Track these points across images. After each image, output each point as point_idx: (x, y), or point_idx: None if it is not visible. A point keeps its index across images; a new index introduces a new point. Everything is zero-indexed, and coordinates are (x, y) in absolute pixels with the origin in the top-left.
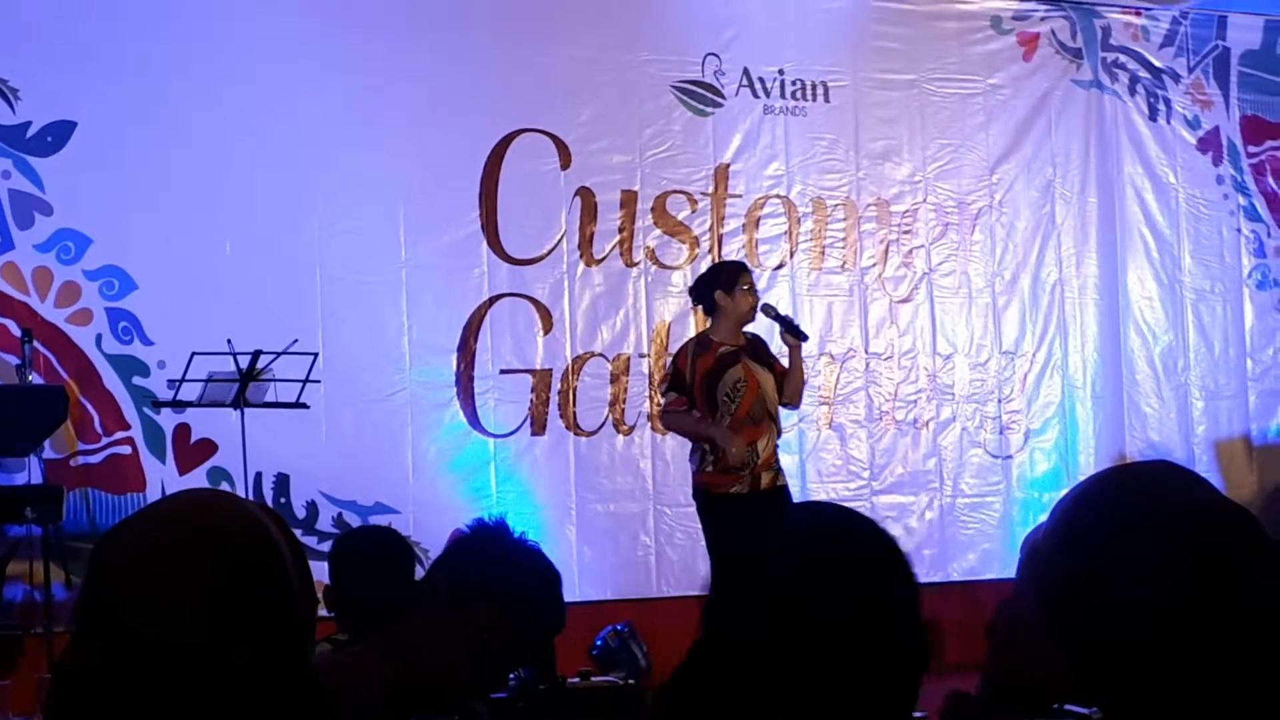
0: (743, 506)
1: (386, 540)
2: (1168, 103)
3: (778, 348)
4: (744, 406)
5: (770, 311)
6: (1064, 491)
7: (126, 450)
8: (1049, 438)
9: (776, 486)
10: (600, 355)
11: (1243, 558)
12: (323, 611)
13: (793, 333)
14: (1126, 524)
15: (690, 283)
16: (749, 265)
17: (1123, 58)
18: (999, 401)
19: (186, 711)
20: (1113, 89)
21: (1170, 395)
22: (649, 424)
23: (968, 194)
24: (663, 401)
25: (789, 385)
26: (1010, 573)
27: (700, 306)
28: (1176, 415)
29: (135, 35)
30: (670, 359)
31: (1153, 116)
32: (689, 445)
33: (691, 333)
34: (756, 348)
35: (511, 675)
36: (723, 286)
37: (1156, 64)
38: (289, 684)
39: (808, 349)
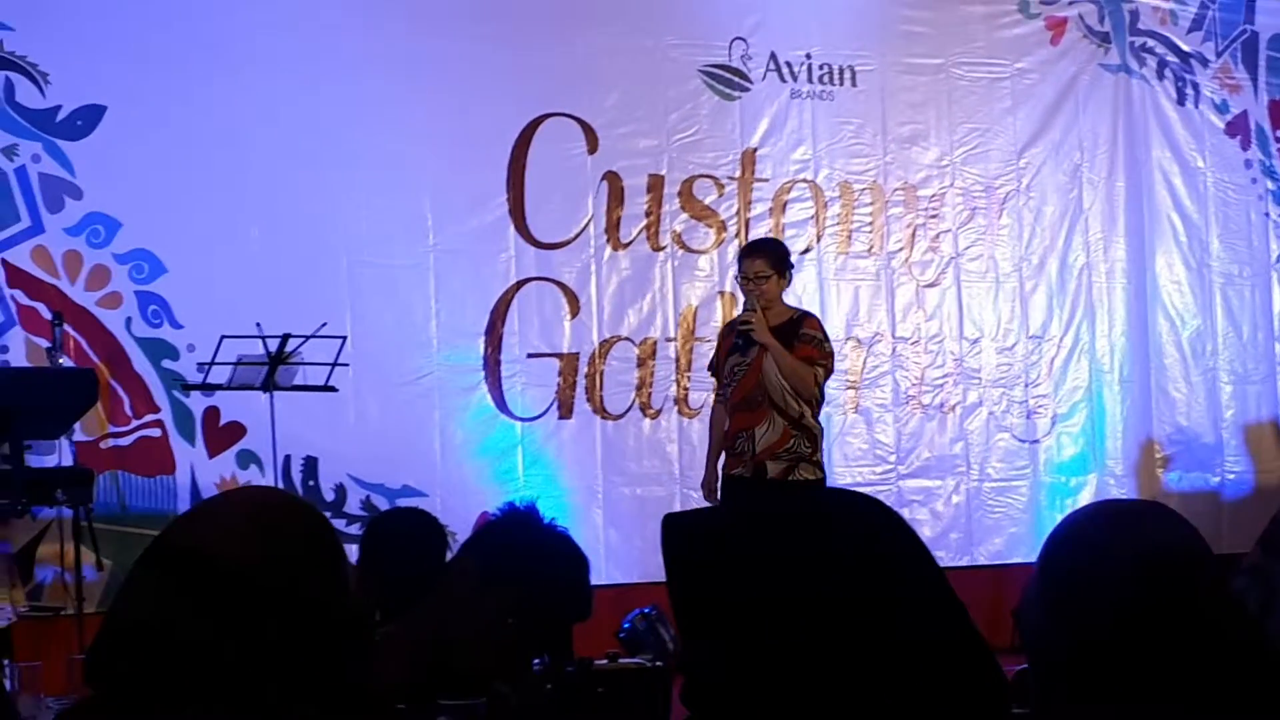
0: (744, 491)
1: (421, 521)
2: (1196, 87)
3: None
4: (739, 391)
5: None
6: (1090, 476)
7: (156, 433)
8: (1076, 422)
9: (790, 481)
10: (627, 339)
11: (1188, 595)
12: None
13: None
14: (1089, 559)
15: (717, 267)
16: (753, 247)
17: (1151, 42)
18: (1026, 386)
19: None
20: (1140, 73)
21: (1198, 380)
22: (675, 408)
23: (995, 178)
24: None
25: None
26: (1037, 557)
27: None
28: (1205, 400)
29: (164, 20)
30: None
31: (1181, 101)
32: None
33: (719, 317)
34: (784, 332)
35: (537, 659)
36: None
37: (1184, 48)
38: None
39: (835, 331)
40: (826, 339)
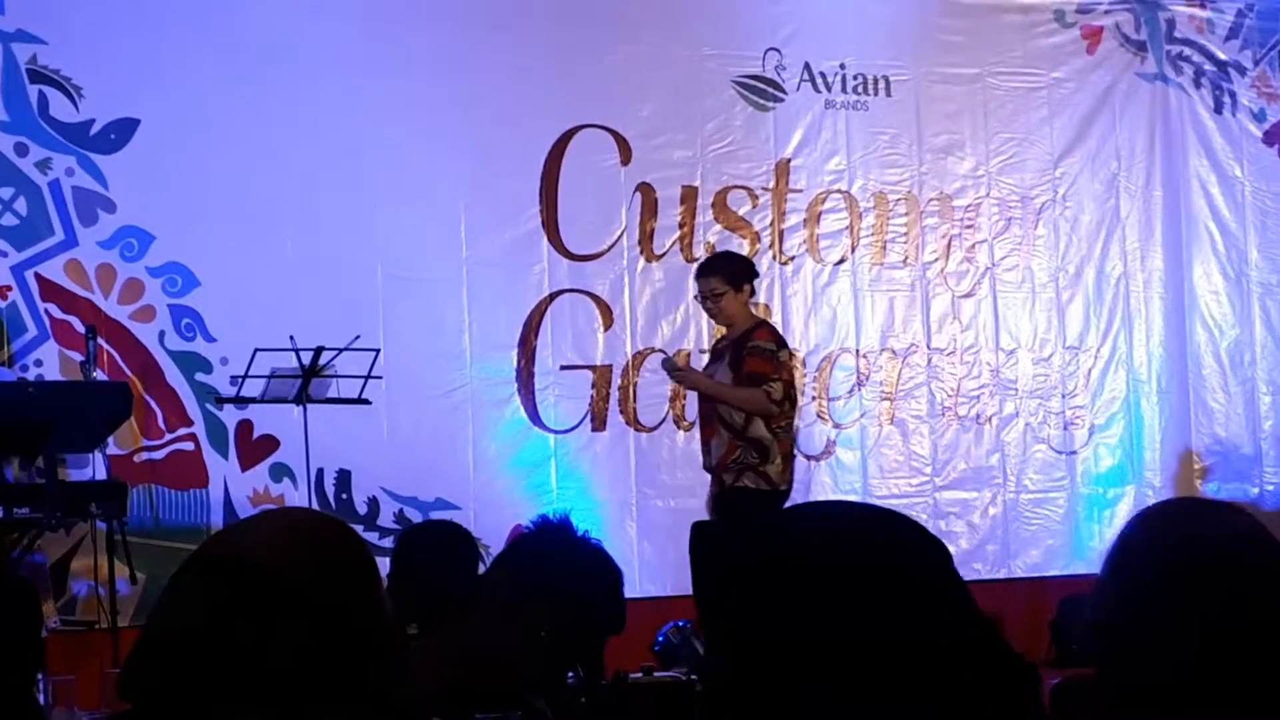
0: (714, 505)
1: (453, 534)
2: (1233, 95)
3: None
4: (699, 408)
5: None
6: (1128, 487)
7: (189, 446)
8: (1113, 433)
9: (734, 488)
10: (660, 351)
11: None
12: None
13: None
14: (1146, 559)
15: None
16: (704, 265)
17: (1187, 50)
18: (1063, 396)
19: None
20: (1177, 82)
21: (1237, 390)
22: None
23: (1031, 188)
24: None
25: None
26: (1074, 569)
27: None
28: (1243, 410)
29: (197, 33)
30: None
31: (1218, 109)
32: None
33: None
34: (736, 346)
35: (571, 673)
36: None
37: (1221, 57)
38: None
39: (870, 343)
40: (780, 347)
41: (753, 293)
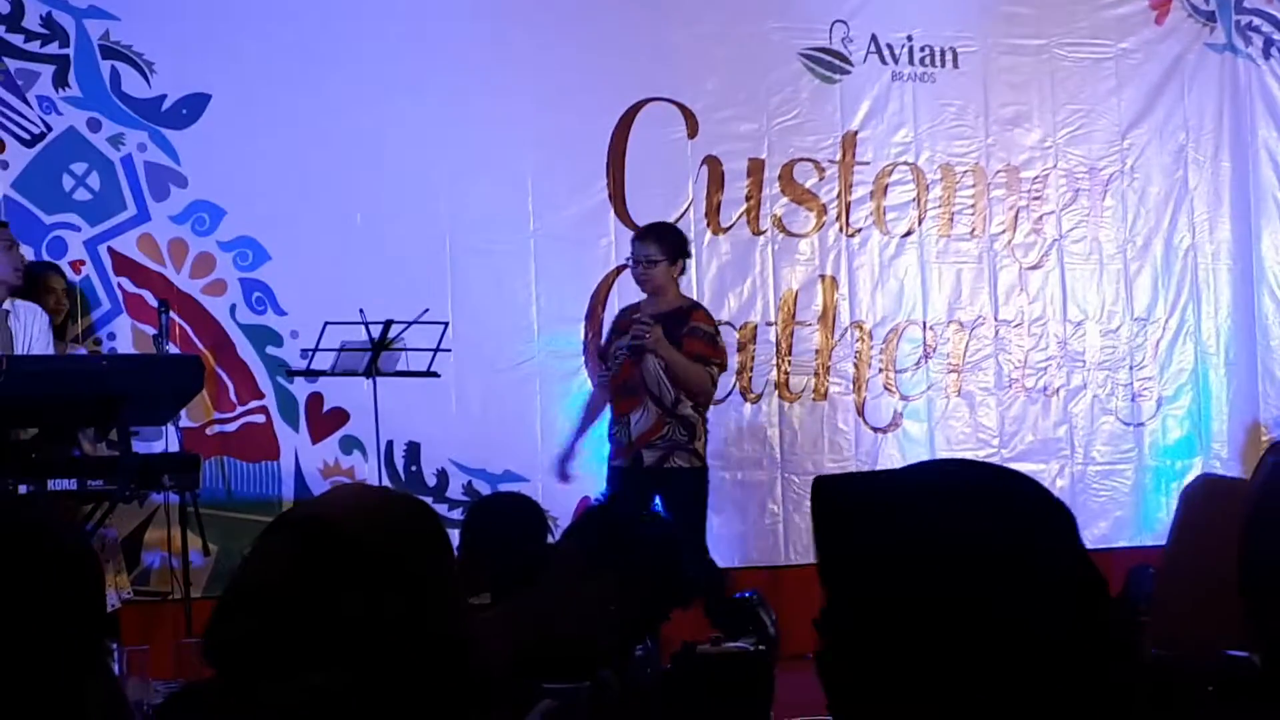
0: (622, 480)
1: (522, 506)
2: None
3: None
4: (620, 375)
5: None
6: (1196, 459)
7: (260, 419)
8: (1182, 405)
9: (665, 469)
10: (727, 324)
11: None
12: None
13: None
14: None
15: (818, 251)
16: (645, 230)
17: (1257, 20)
18: (1131, 368)
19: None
20: (1246, 52)
21: None
22: (776, 392)
23: (1099, 159)
24: None
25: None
26: (1142, 540)
27: None
28: None
29: (269, 8)
30: None
31: None
32: (816, 412)
33: (818, 301)
34: (672, 321)
35: (640, 646)
36: None
37: None
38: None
39: (936, 315)
40: (718, 333)
41: (683, 270)
